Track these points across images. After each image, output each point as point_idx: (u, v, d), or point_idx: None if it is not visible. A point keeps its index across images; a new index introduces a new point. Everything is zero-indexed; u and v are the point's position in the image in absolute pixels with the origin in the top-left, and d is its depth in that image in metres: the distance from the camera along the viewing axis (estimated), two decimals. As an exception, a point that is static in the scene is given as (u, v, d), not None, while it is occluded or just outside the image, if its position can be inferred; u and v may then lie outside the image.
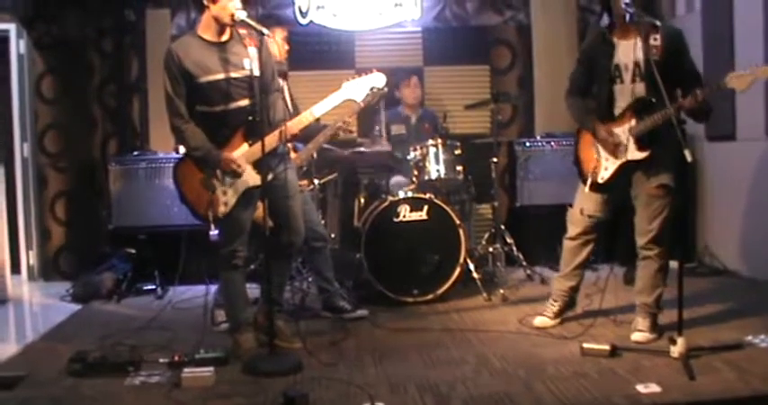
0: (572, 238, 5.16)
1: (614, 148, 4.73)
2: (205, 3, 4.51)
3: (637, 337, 4.78)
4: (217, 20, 4.53)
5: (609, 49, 4.72)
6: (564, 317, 5.29)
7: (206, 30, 4.60)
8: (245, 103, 4.61)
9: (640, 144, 4.64)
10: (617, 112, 4.74)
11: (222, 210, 4.65)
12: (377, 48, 7.94)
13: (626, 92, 4.69)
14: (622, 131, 4.70)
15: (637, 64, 4.62)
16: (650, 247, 4.80)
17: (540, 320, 5.24)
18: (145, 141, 7.66)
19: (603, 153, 4.82)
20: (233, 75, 4.58)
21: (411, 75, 7.28)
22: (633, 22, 4.54)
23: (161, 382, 4.22)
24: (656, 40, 4.53)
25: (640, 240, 4.82)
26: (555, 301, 5.25)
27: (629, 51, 4.64)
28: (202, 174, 4.66)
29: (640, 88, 4.64)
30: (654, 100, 4.50)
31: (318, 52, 7.82)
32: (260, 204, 4.66)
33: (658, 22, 4.48)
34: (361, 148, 6.53)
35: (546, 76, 7.99)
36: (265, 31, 4.49)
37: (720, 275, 6.67)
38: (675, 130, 4.19)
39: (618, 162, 4.76)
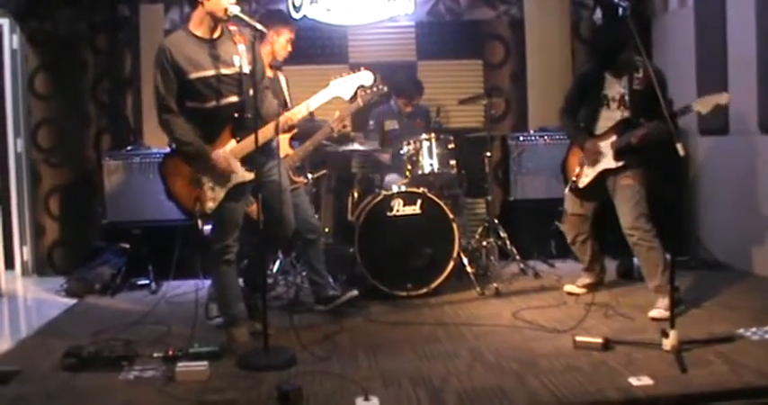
0: (572, 243, 5.96)
1: (596, 157, 5.47)
2: None
3: (652, 313, 5.13)
4: (211, 15, 4.54)
5: (600, 82, 5.46)
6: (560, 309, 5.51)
7: (198, 26, 4.60)
8: (234, 99, 4.64)
9: (617, 155, 5.36)
10: (599, 131, 5.50)
11: (210, 205, 4.66)
12: (370, 42, 7.94)
13: (610, 116, 5.44)
14: (605, 145, 5.43)
15: (622, 96, 5.38)
16: (631, 233, 5.31)
17: (568, 287, 6.03)
18: (138, 136, 7.67)
19: (586, 163, 5.56)
20: (223, 71, 4.60)
21: (418, 94, 7.12)
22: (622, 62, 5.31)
23: (155, 377, 4.23)
24: (638, 72, 5.28)
25: (623, 228, 5.35)
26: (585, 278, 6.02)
27: (616, 86, 5.41)
28: (191, 169, 4.68)
29: (624, 114, 5.39)
30: (633, 122, 5.31)
31: (311, 47, 7.80)
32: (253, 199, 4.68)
33: (641, 68, 5.23)
34: (356, 146, 6.52)
35: (539, 71, 8.01)
36: (259, 26, 4.50)
37: (712, 268, 6.68)
38: (650, 140, 5.09)
39: (597, 169, 5.49)
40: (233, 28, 4.67)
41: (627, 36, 4.98)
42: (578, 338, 4.54)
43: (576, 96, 5.70)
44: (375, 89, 5.71)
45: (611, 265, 6.32)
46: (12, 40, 7.59)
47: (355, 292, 5.66)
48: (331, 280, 5.85)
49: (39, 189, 7.67)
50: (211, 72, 4.57)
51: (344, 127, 5.76)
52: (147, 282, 6.74)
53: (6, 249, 7.24)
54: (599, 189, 5.54)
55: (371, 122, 7.05)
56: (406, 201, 6.08)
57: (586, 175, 5.57)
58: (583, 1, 7.98)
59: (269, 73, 5.39)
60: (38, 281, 7.46)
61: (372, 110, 7.04)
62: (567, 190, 5.79)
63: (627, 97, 5.35)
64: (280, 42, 5.49)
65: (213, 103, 4.61)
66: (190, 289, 6.35)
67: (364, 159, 6.71)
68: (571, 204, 5.81)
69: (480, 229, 6.94)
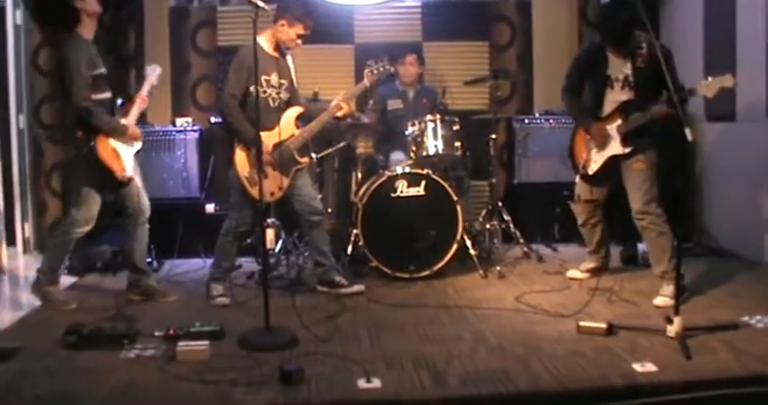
0: (582, 225, 5.90)
1: (603, 142, 5.39)
2: None
3: (657, 301, 5.10)
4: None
5: (603, 62, 5.35)
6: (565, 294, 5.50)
7: None
8: None
9: (625, 140, 5.28)
10: (604, 113, 5.41)
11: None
12: (376, 23, 7.88)
13: (615, 97, 5.35)
14: (611, 129, 5.34)
15: (626, 77, 5.27)
16: (641, 218, 5.25)
17: (571, 272, 6.00)
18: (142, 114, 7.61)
19: (594, 147, 5.49)
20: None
21: (407, 53, 7.10)
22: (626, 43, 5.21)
23: (156, 356, 4.22)
24: (641, 49, 5.18)
25: (633, 213, 5.30)
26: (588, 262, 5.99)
27: (620, 66, 5.29)
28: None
29: (628, 95, 5.28)
30: (638, 104, 5.19)
31: (317, 27, 7.68)
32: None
33: (644, 44, 5.15)
34: (358, 120, 6.50)
35: (545, 54, 7.96)
36: (260, 3, 4.48)
37: (718, 256, 6.65)
38: (657, 124, 5.05)
39: (605, 155, 5.42)
40: None
41: (634, 17, 4.93)
42: (582, 323, 4.51)
43: (576, 75, 5.63)
44: (381, 69, 5.66)
45: (615, 252, 6.28)
46: (15, 16, 7.54)
47: (362, 288, 5.65)
48: (333, 260, 5.82)
49: (41, 166, 7.62)
50: None
51: (349, 109, 5.72)
52: (150, 260, 6.69)
53: (8, 226, 7.22)
54: (609, 174, 5.48)
55: (371, 102, 7.00)
56: (411, 182, 6.04)
57: (595, 162, 5.51)
58: (590, -16, 7.91)
59: (275, 54, 5.40)
60: (39, 258, 7.36)
61: (376, 90, 6.97)
62: (577, 177, 5.74)
63: (631, 78, 5.26)
64: (288, 33, 5.38)
65: None
66: (192, 268, 6.37)
67: (354, 131, 6.71)
68: (582, 191, 5.75)
69: (484, 212, 6.93)
